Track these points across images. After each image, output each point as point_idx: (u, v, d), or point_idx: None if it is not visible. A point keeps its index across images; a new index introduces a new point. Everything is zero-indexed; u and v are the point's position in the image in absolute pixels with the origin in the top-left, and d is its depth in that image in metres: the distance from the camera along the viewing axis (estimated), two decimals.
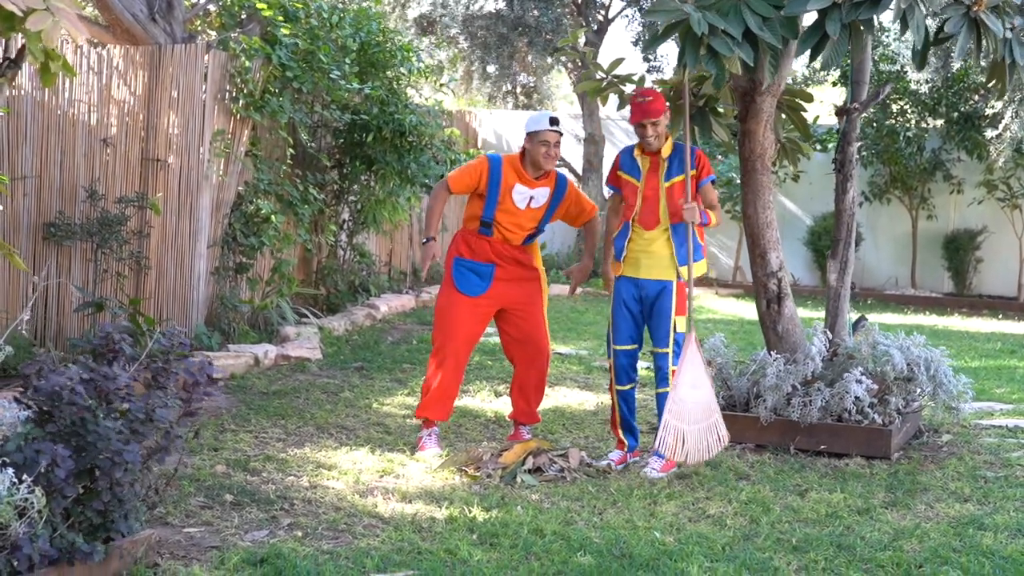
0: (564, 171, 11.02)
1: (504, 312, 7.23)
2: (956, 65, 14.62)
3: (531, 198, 7.08)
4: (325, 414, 7.94)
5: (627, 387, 6.94)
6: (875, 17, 6.11)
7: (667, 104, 6.82)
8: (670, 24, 6.24)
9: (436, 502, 5.98)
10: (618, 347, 6.90)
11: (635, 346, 6.93)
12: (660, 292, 6.76)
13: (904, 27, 6.04)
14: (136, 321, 8.83)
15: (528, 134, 6.99)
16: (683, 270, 6.73)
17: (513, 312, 7.21)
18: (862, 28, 6.19)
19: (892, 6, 5.94)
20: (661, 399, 6.79)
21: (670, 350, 6.74)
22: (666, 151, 6.79)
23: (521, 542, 5.31)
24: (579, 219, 7.36)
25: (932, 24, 6.42)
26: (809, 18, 6.54)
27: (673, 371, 6.68)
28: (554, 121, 6.97)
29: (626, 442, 6.94)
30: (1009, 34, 6.26)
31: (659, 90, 7.73)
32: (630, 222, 6.80)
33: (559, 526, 5.58)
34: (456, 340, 7.08)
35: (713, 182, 6.89)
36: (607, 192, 6.88)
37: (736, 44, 6.14)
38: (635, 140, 6.89)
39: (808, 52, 6.42)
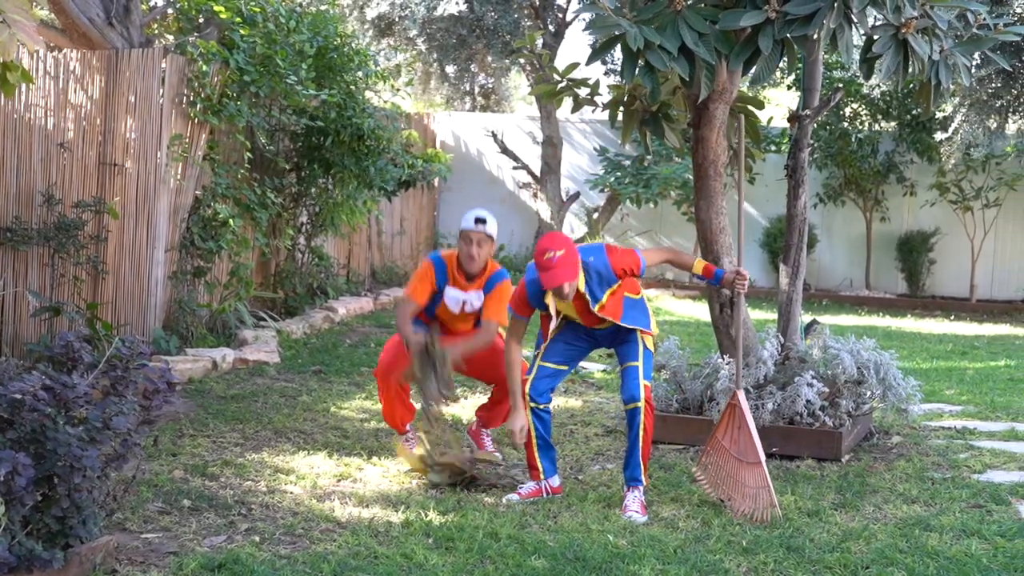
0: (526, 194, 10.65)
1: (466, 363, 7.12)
2: (883, 80, 14.88)
3: (464, 302, 6.97)
4: (283, 418, 7.98)
5: (542, 404, 6.36)
6: (808, 34, 6.18)
7: (578, 261, 6.07)
8: (607, 39, 6.31)
9: (393, 506, 6.04)
10: (545, 363, 6.40)
11: (564, 367, 6.44)
12: (617, 335, 6.38)
13: (834, 46, 6.14)
14: (93, 326, 8.84)
15: (459, 235, 6.79)
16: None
17: (474, 364, 7.08)
18: (795, 44, 6.28)
19: (823, 24, 6.02)
20: (634, 414, 6.18)
21: (640, 363, 6.24)
22: (581, 284, 6.14)
23: (476, 546, 5.37)
24: (485, 310, 6.94)
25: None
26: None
27: (647, 386, 6.21)
28: (479, 220, 6.69)
29: (542, 467, 6.40)
30: (937, 56, 6.37)
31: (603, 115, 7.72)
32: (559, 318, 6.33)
33: (514, 530, 5.65)
34: (401, 359, 6.96)
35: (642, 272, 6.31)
36: (507, 315, 6.44)
37: (672, 59, 6.20)
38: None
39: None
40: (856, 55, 6.67)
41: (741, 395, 6.34)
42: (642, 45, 6.08)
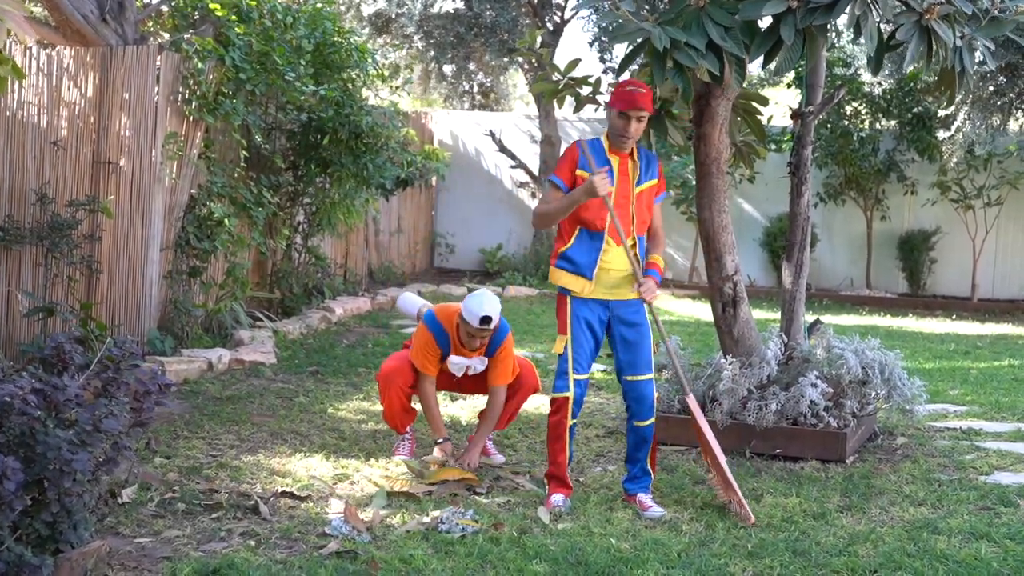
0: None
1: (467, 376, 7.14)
2: (908, 68, 14.77)
3: (468, 367, 6.91)
4: (279, 420, 7.88)
5: (576, 420, 6.21)
6: (829, 23, 6.09)
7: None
8: (634, 47, 6.21)
9: (391, 509, 5.94)
10: (580, 376, 6.10)
11: (589, 375, 6.19)
12: (636, 312, 6.13)
13: (858, 33, 6.04)
14: (87, 326, 8.74)
15: (462, 318, 6.69)
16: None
17: (476, 377, 7.10)
18: (816, 33, 6.17)
19: (846, 12, 5.93)
20: (647, 431, 6.18)
21: (653, 375, 6.20)
22: (635, 152, 6.15)
23: (476, 550, 5.27)
24: (490, 376, 6.94)
25: (887, 29, 6.43)
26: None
27: (658, 397, 6.17)
28: (485, 321, 6.57)
29: (572, 485, 6.28)
30: (959, 42, 6.26)
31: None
32: (604, 232, 6.06)
33: (515, 534, 5.55)
34: (407, 369, 6.96)
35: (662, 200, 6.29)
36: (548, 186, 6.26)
37: (700, 56, 6.09)
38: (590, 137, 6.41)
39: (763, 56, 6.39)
40: (850, 53, 6.58)
41: (691, 400, 6.30)
42: (668, 45, 5.97)
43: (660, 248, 6.26)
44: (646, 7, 6.25)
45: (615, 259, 6.08)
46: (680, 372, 6.28)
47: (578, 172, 6.09)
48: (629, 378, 6.18)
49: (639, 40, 6.15)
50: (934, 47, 6.17)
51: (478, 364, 6.93)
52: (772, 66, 6.39)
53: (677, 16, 6.14)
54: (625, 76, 6.89)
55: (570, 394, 6.11)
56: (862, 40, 6.12)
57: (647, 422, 6.18)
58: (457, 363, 6.90)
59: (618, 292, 6.11)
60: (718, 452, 6.15)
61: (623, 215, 6.07)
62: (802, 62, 6.58)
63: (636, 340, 6.14)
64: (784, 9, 6.01)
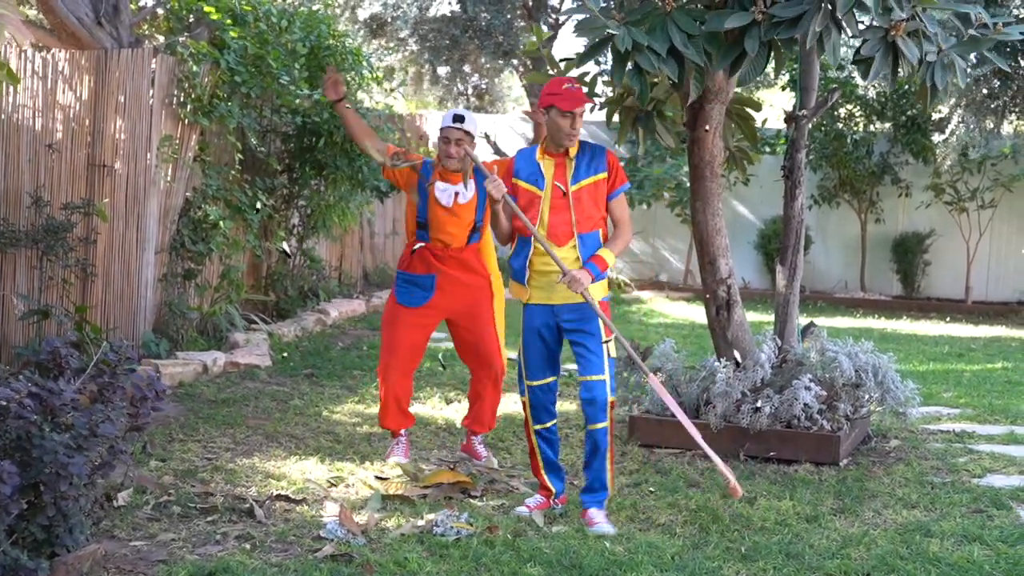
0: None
1: (451, 322, 6.99)
2: (871, 83, 14.78)
3: (456, 193, 6.76)
4: (274, 423, 7.89)
5: (548, 424, 6.16)
6: (795, 36, 6.08)
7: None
8: (596, 43, 6.22)
9: (386, 512, 5.95)
10: (533, 383, 6.10)
11: (553, 378, 6.13)
12: (582, 314, 5.97)
13: (821, 49, 6.05)
14: (82, 329, 8.74)
15: (439, 131, 6.72)
16: (600, 284, 6.10)
17: (459, 322, 6.97)
18: (781, 46, 6.20)
19: (809, 28, 5.92)
20: (600, 435, 5.95)
21: (606, 376, 5.94)
22: (573, 150, 6.02)
23: (471, 553, 5.29)
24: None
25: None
26: None
27: (612, 402, 5.98)
28: (458, 118, 6.56)
29: (553, 488, 6.18)
30: (932, 58, 6.29)
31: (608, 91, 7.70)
32: (531, 238, 5.95)
33: (509, 537, 5.56)
34: (398, 352, 6.86)
35: (627, 191, 6.15)
36: None
37: (661, 61, 6.09)
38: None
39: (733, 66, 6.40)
40: (843, 57, 6.61)
41: (652, 379, 6.14)
42: (630, 47, 5.99)
43: (622, 242, 6.10)
44: (614, 4, 6.27)
45: (552, 262, 5.94)
46: (631, 354, 6.17)
47: (516, 180, 6.05)
48: (580, 378, 6.05)
49: (600, 38, 6.16)
50: (899, 63, 6.20)
51: (464, 191, 6.79)
52: (737, 76, 6.42)
53: (643, 18, 6.15)
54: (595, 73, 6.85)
55: (525, 398, 6.16)
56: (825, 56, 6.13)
57: (599, 425, 5.94)
58: (443, 189, 6.75)
59: (560, 297, 5.99)
60: (690, 428, 5.99)
61: (561, 216, 5.96)
62: (795, 66, 6.60)
63: (583, 341, 5.99)
64: (749, 22, 6.03)
